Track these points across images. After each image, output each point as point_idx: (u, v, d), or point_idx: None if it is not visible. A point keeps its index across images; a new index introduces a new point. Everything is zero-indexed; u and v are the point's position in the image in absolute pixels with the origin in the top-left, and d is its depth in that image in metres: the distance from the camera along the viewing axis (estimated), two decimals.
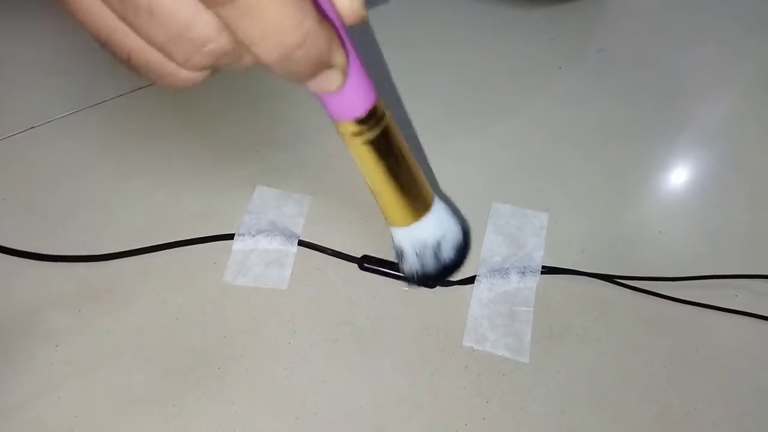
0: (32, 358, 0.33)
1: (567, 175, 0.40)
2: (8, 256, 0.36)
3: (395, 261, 0.35)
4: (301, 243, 0.37)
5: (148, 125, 0.42)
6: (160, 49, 0.18)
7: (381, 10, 0.47)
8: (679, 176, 0.40)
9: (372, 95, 0.23)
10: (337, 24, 0.20)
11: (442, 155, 0.40)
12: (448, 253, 0.30)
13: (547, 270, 0.36)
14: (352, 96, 0.22)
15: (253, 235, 0.37)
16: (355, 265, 0.36)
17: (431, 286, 0.33)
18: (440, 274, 0.31)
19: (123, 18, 0.17)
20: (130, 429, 0.31)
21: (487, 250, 0.36)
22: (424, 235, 0.29)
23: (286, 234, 0.37)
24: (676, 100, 0.43)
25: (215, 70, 0.19)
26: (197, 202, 0.39)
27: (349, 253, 0.36)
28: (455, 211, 0.31)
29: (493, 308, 0.34)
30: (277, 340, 0.34)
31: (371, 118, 0.23)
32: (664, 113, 0.43)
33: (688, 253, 0.37)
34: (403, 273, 0.31)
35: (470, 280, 0.35)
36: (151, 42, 0.17)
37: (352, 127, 0.23)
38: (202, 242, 0.37)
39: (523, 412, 0.32)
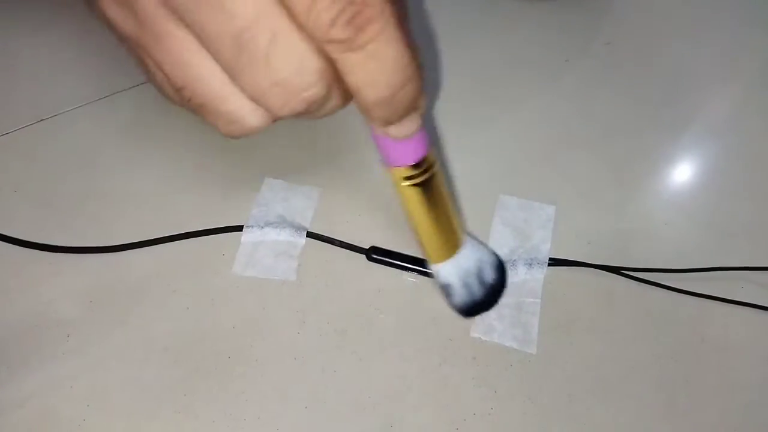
0: (43, 348, 0.34)
1: (574, 168, 0.40)
2: (18, 247, 0.36)
3: (404, 253, 0.36)
4: (309, 235, 0.37)
5: (157, 117, 0.42)
6: (258, 94, 0.18)
7: None
8: (685, 168, 0.40)
9: (426, 144, 0.25)
10: None
11: (449, 148, 0.41)
12: (490, 274, 0.33)
13: (554, 262, 0.36)
14: (412, 144, 0.24)
15: (262, 227, 0.37)
16: (363, 257, 0.36)
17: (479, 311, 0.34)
18: (490, 298, 0.33)
19: (232, 67, 0.17)
20: (141, 418, 0.32)
21: (494, 242, 0.37)
22: (467, 263, 0.31)
23: (295, 226, 0.37)
24: (682, 93, 0.43)
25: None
26: (206, 194, 0.39)
27: (358, 245, 0.36)
28: (472, 236, 0.34)
29: (500, 300, 0.35)
30: (287, 331, 0.34)
31: (421, 165, 0.25)
32: (670, 106, 0.43)
33: (694, 245, 0.37)
34: (454, 308, 0.33)
35: None
36: (251, 88, 0.17)
37: (404, 172, 0.25)
38: (211, 234, 0.37)
39: (530, 402, 0.32)
